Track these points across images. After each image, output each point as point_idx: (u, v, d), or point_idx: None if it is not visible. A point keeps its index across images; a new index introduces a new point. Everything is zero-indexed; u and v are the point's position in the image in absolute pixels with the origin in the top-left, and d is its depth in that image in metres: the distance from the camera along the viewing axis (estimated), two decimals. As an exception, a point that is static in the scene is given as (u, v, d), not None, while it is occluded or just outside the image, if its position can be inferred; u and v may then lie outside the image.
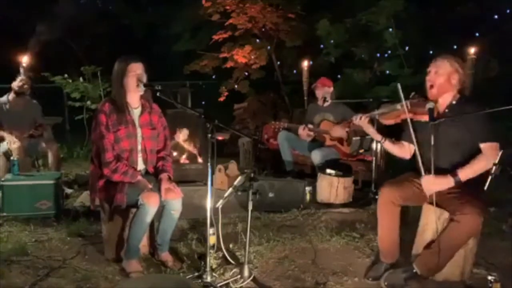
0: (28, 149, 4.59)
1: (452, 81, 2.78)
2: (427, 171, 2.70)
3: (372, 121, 3.28)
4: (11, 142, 4.34)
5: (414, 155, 2.92)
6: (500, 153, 2.68)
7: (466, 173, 2.64)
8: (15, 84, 4.70)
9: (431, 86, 2.81)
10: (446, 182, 2.67)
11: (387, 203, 2.81)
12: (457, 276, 2.78)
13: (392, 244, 2.86)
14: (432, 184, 2.69)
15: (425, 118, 2.76)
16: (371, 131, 3.15)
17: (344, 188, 4.43)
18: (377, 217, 2.89)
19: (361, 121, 3.12)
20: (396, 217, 2.82)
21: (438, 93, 2.80)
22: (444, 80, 2.78)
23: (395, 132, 3.12)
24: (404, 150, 3.03)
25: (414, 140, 2.77)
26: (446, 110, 2.81)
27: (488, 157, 2.67)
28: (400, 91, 2.77)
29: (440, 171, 2.71)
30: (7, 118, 4.59)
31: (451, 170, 2.69)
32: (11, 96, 4.72)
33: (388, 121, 3.09)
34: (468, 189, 2.69)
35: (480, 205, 2.58)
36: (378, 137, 3.13)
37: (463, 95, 2.85)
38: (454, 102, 2.81)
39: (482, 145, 2.67)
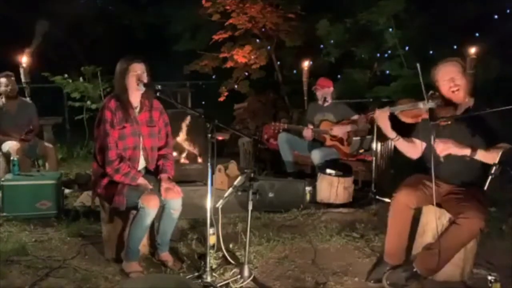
0: (28, 150, 4.59)
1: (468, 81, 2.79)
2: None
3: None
4: (13, 145, 4.36)
5: (423, 155, 2.91)
6: (500, 153, 2.68)
7: (484, 154, 2.60)
8: (3, 90, 4.63)
9: (457, 90, 2.78)
10: (463, 150, 2.61)
11: (403, 207, 2.78)
12: (457, 276, 2.78)
13: (399, 247, 2.85)
14: (451, 144, 2.61)
15: (446, 121, 2.74)
16: (387, 127, 2.95)
17: (344, 188, 4.43)
18: (389, 220, 2.86)
19: (381, 114, 2.95)
20: (409, 221, 2.81)
21: (464, 95, 2.80)
22: (465, 81, 2.78)
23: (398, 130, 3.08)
24: (416, 149, 2.99)
25: (434, 142, 2.65)
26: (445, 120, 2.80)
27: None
28: (424, 91, 2.68)
29: (454, 174, 2.74)
30: (3, 122, 4.59)
31: (464, 173, 2.72)
32: (4, 99, 4.67)
33: (407, 119, 2.99)
34: (471, 190, 2.69)
35: (482, 209, 2.58)
36: (392, 134, 2.96)
37: (478, 100, 2.84)
38: (471, 107, 2.81)
39: (501, 145, 2.65)
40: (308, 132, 4.89)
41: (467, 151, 2.61)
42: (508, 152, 2.60)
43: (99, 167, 3.00)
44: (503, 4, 7.32)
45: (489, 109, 2.66)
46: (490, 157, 2.62)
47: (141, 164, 3.07)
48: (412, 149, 3.00)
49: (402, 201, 2.79)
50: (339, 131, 4.89)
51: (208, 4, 7.41)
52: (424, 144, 2.97)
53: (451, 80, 2.79)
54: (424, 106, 2.81)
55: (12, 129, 4.55)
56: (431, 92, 2.89)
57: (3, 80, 4.66)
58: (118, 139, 2.92)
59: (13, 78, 4.74)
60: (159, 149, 3.13)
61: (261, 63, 7.66)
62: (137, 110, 3.04)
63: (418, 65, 2.65)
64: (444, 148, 2.62)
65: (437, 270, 2.70)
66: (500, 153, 2.59)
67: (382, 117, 2.97)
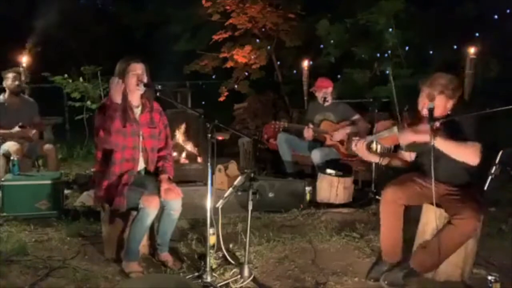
0: (28, 150, 4.59)
1: (446, 96, 2.76)
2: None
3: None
4: (12, 145, 4.37)
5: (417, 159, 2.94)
6: (500, 153, 2.68)
7: (444, 142, 2.59)
8: (9, 84, 4.66)
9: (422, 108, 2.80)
10: (421, 136, 2.68)
11: (390, 203, 2.83)
12: (457, 276, 2.78)
13: (394, 244, 2.87)
14: (409, 133, 2.76)
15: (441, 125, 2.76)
16: (367, 157, 3.13)
17: (344, 188, 4.43)
18: (380, 217, 2.90)
19: (358, 147, 3.06)
20: (399, 217, 2.83)
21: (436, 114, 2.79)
22: (439, 102, 2.75)
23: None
24: (403, 160, 3.08)
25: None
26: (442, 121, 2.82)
27: (473, 151, 2.60)
28: (399, 118, 2.79)
29: (449, 175, 2.76)
30: (5, 118, 4.59)
31: (460, 174, 2.74)
32: (7, 95, 4.70)
33: (387, 144, 3.18)
34: (469, 190, 2.69)
35: (478, 209, 2.59)
36: (376, 159, 3.17)
37: (458, 104, 2.84)
38: (449, 113, 2.82)
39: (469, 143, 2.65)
40: (308, 132, 4.89)
41: (425, 138, 2.62)
42: (508, 152, 2.61)
43: (100, 167, 3.01)
44: (503, 4, 7.31)
45: (489, 109, 2.67)
46: (449, 147, 2.60)
47: (141, 165, 3.07)
48: (400, 161, 3.10)
49: (388, 198, 2.84)
50: (340, 136, 4.89)
51: (208, 4, 7.40)
52: (413, 155, 3.02)
53: (424, 97, 2.78)
54: (397, 130, 2.91)
55: (13, 126, 4.57)
56: (407, 106, 2.97)
57: (11, 75, 4.69)
58: (116, 139, 2.92)
59: (20, 75, 4.79)
60: (159, 150, 3.13)
61: (261, 63, 7.66)
62: (139, 110, 3.04)
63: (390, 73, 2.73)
64: (405, 139, 2.78)
65: (433, 268, 2.73)
66: (500, 153, 2.58)
67: (360, 150, 3.06)
